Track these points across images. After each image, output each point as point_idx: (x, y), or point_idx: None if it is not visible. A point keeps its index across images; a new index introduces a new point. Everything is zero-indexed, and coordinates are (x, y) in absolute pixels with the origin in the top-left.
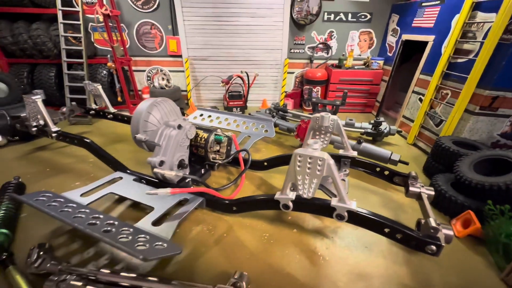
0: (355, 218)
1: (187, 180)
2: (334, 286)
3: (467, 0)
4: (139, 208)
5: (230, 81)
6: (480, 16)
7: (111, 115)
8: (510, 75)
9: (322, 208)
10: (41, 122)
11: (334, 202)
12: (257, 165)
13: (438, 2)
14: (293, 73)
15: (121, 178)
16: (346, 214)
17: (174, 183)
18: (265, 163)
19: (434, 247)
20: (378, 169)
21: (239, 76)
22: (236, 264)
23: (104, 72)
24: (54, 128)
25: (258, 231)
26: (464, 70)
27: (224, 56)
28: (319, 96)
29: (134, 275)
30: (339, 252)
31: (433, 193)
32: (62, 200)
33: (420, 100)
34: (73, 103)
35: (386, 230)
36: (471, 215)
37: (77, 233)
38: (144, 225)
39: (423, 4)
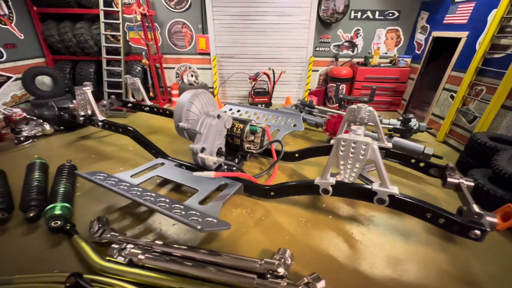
0: (396, 203)
1: (222, 168)
2: (373, 269)
3: None
4: (180, 191)
5: (257, 78)
6: None
7: (148, 108)
8: None
9: (363, 193)
10: (89, 112)
11: (375, 186)
12: (288, 156)
13: None
14: (317, 71)
15: (163, 164)
16: (387, 198)
17: (212, 169)
18: (297, 155)
19: (478, 232)
20: (413, 160)
21: (265, 73)
22: (277, 244)
23: (139, 68)
24: (100, 117)
25: (295, 216)
26: (501, 65)
27: (250, 54)
28: (343, 91)
29: (185, 247)
30: (375, 238)
31: (472, 184)
32: (116, 179)
33: (452, 97)
34: (112, 96)
35: (428, 215)
36: (510, 208)
37: (127, 210)
38: (192, 203)
39: (456, 0)
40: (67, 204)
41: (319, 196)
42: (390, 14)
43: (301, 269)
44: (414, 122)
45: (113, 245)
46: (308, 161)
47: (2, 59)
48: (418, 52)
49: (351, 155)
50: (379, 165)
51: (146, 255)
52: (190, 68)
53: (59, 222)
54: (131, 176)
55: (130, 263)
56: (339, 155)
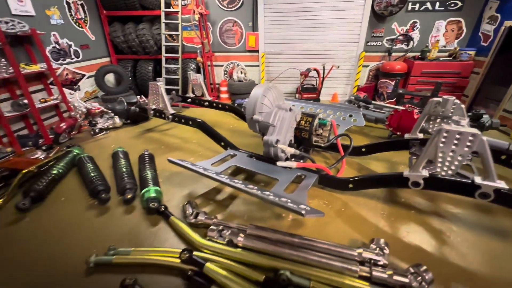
0: (503, 198)
1: (292, 160)
2: (473, 265)
3: None
4: (253, 181)
5: (308, 73)
6: None
7: (207, 103)
8: None
9: (461, 187)
10: (161, 105)
11: (478, 180)
12: (355, 151)
13: None
14: (367, 66)
15: (235, 155)
16: (492, 193)
17: (282, 160)
18: (363, 149)
19: None
20: (503, 157)
21: (315, 69)
22: (364, 235)
23: (193, 66)
24: (171, 111)
25: (374, 209)
26: None
27: (298, 51)
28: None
29: (279, 230)
30: (467, 235)
31: None
32: (200, 167)
33: None
34: (173, 92)
35: None
36: None
37: (208, 196)
38: (279, 192)
39: None
40: (158, 188)
41: (395, 190)
42: (452, 5)
43: (396, 261)
44: (486, 118)
45: (212, 227)
46: (374, 156)
47: (79, 59)
48: (485, 44)
49: (453, 147)
50: (487, 158)
51: (244, 237)
52: (238, 65)
53: (156, 204)
54: (211, 164)
55: (230, 243)
56: (439, 147)
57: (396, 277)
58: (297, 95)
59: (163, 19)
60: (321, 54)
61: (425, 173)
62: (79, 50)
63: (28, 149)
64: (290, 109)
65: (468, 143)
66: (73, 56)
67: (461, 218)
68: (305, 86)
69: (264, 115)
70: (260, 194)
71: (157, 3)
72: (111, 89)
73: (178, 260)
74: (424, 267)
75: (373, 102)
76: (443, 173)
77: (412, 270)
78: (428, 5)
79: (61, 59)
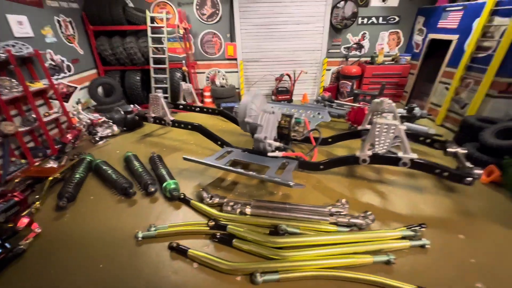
0: (415, 164)
1: (276, 151)
2: (402, 210)
3: (486, 7)
4: (249, 169)
5: (282, 78)
6: (497, 20)
7: (198, 108)
8: None
9: (392, 159)
10: (161, 113)
11: (401, 154)
12: (323, 141)
13: (461, 7)
14: (330, 70)
15: (231, 151)
16: (409, 161)
17: (269, 152)
18: (330, 139)
19: (470, 179)
20: (421, 138)
21: (287, 75)
22: (333, 198)
23: (179, 74)
24: (171, 118)
25: (339, 181)
26: (484, 62)
27: (272, 58)
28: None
29: (274, 201)
30: (399, 192)
31: (466, 151)
32: (209, 161)
33: (447, 88)
34: (165, 100)
35: (437, 170)
36: (493, 168)
37: (215, 184)
38: (271, 174)
39: (447, 9)
40: (175, 180)
41: (354, 168)
42: (392, 19)
43: (353, 211)
44: (417, 110)
45: (225, 204)
46: (339, 144)
47: (71, 73)
48: (417, 51)
49: (384, 133)
50: (404, 139)
51: (251, 208)
52: (219, 72)
53: (177, 193)
54: (215, 159)
55: (241, 213)
56: (375, 134)
57: (352, 220)
58: (273, 97)
59: (149, 34)
60: (291, 60)
61: (369, 152)
62: (71, 65)
63: (39, 159)
64: (273, 112)
65: (392, 131)
66: (66, 71)
67: (395, 181)
68: (279, 89)
69: (253, 118)
70: (259, 176)
71: (142, 19)
72: (105, 99)
73: (206, 228)
74: (370, 212)
75: (335, 101)
76: (380, 152)
77: (362, 215)
78: (374, 19)
79: (56, 74)
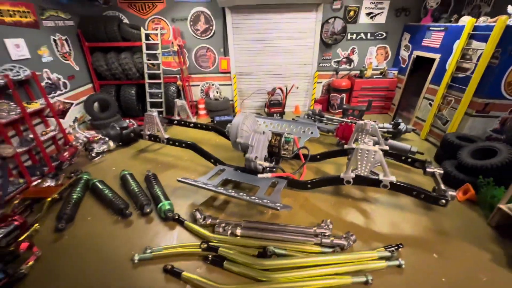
0: (394, 186)
1: (267, 170)
2: (382, 228)
3: (465, 31)
4: (240, 188)
5: (274, 92)
6: (475, 44)
7: (192, 124)
8: (497, 88)
9: (373, 181)
10: (156, 131)
11: (381, 177)
12: (312, 158)
13: (443, 28)
14: (321, 82)
15: (224, 169)
16: (389, 184)
17: (260, 172)
18: (318, 156)
19: (444, 201)
20: (403, 157)
21: (279, 88)
22: (319, 218)
23: (173, 88)
24: (165, 136)
25: (325, 200)
26: (463, 83)
27: (265, 71)
28: (343, 101)
29: (263, 221)
30: (382, 211)
31: (442, 171)
32: (201, 182)
33: (430, 104)
34: (160, 115)
35: (414, 192)
36: (468, 186)
37: (207, 204)
38: (260, 195)
39: (431, 28)
40: (170, 201)
41: (341, 186)
42: (379, 35)
43: (338, 231)
44: (402, 126)
45: (217, 225)
46: (328, 161)
47: (67, 89)
48: (403, 66)
49: (365, 158)
50: (383, 163)
51: (241, 229)
52: (213, 85)
53: (171, 214)
54: (208, 179)
55: (232, 234)
56: (357, 158)
57: (335, 241)
58: (265, 109)
59: (144, 50)
60: (284, 74)
61: (353, 174)
62: (67, 82)
63: (36, 178)
64: (264, 132)
65: (372, 155)
66: (62, 88)
67: (378, 199)
68: (272, 101)
69: (244, 138)
70: (249, 199)
71: (137, 36)
72: (101, 115)
73: (199, 249)
74: (351, 233)
75: (325, 116)
76: (363, 173)
77: (344, 236)
78: (362, 35)
79: (53, 92)
